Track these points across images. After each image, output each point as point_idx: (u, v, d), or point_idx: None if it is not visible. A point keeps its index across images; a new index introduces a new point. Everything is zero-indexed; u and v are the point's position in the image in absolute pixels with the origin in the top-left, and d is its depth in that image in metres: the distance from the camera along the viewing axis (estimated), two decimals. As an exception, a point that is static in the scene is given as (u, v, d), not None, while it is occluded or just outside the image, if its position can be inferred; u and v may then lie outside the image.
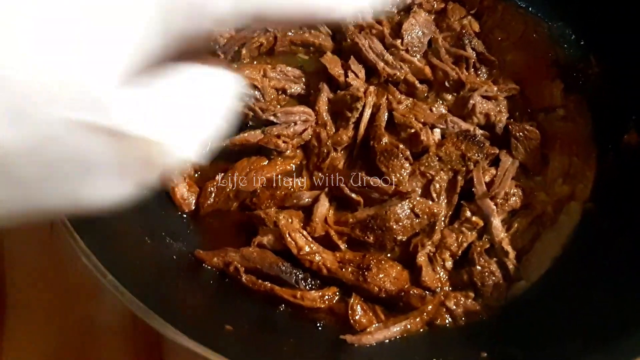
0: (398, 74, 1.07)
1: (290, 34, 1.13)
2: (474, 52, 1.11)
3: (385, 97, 1.06)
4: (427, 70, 1.09)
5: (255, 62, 1.13)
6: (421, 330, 0.90)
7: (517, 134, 1.01)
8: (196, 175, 1.03)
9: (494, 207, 0.95)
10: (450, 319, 0.91)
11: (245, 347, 0.78)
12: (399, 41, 1.11)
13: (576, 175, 1.01)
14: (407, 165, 0.98)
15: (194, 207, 0.99)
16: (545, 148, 1.03)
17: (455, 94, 1.09)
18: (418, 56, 1.12)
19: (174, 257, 0.90)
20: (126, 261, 0.76)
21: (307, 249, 0.92)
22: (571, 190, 1.00)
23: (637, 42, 1.03)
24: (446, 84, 1.08)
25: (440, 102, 1.09)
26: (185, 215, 0.98)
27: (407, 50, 1.10)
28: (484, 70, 1.12)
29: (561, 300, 0.91)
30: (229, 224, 0.99)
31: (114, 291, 0.68)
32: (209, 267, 0.92)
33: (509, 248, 0.93)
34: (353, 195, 0.97)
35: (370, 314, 0.91)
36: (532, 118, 1.07)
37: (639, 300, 0.82)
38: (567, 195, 1.00)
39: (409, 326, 0.89)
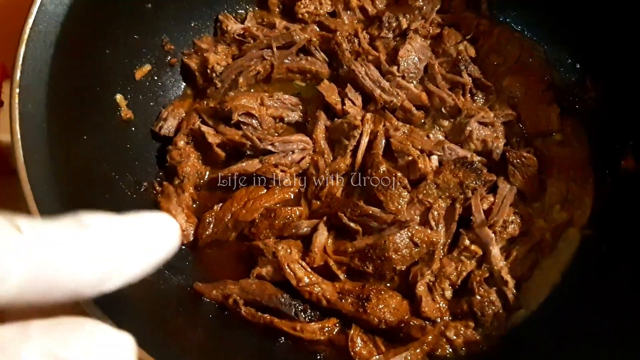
0: (395, 100, 1.08)
1: (287, 61, 1.14)
2: (470, 78, 1.11)
3: (383, 124, 1.06)
4: (424, 96, 1.10)
5: (252, 90, 1.13)
6: (421, 361, 0.90)
7: (515, 160, 1.01)
8: (194, 205, 1.03)
9: (493, 235, 0.95)
10: (450, 350, 0.91)
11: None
12: (395, 68, 1.11)
13: (574, 201, 1.02)
14: (405, 193, 0.98)
15: (192, 238, 0.99)
16: (543, 174, 1.04)
17: (452, 120, 1.09)
18: (414, 82, 1.12)
19: (173, 292, 0.89)
20: (121, 299, 0.75)
21: (306, 280, 0.92)
22: (569, 217, 1.00)
23: (634, 67, 1.03)
24: (443, 110, 1.09)
25: (437, 128, 1.09)
26: (184, 247, 0.98)
27: (403, 77, 1.11)
28: (480, 95, 1.12)
29: (561, 329, 0.91)
30: (227, 254, 0.99)
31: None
32: (208, 300, 0.92)
33: (508, 277, 0.92)
34: (352, 224, 0.97)
35: (371, 345, 0.91)
36: (529, 143, 1.07)
37: (638, 326, 0.82)
38: (565, 222, 1.00)
39: (409, 357, 0.89)
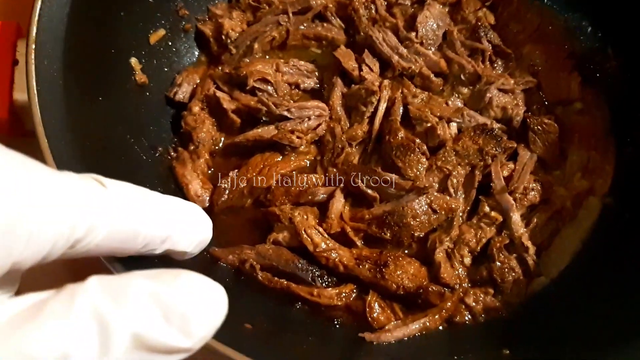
0: (413, 67, 1.06)
1: (302, 27, 1.12)
2: (489, 45, 1.09)
3: (400, 90, 1.04)
4: (443, 63, 1.07)
5: (267, 57, 1.11)
6: (440, 327, 0.89)
7: (535, 127, 0.99)
8: (210, 172, 1.02)
9: (513, 202, 0.93)
10: (469, 316, 0.90)
11: (265, 346, 0.77)
12: (413, 34, 1.09)
13: (595, 169, 1.00)
14: (424, 160, 0.96)
15: (207, 204, 0.98)
16: (564, 142, 1.02)
17: (471, 88, 1.07)
18: (433, 49, 1.10)
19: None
20: (139, 262, 0.75)
21: (323, 245, 0.91)
22: (590, 185, 0.99)
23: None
24: (462, 77, 1.07)
25: (456, 95, 1.07)
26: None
27: (421, 43, 1.09)
28: (500, 63, 1.10)
29: (582, 297, 0.90)
30: (243, 220, 0.98)
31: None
32: (225, 265, 0.91)
33: (528, 243, 0.91)
34: (369, 191, 0.95)
35: (388, 312, 0.90)
36: (550, 111, 1.05)
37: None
38: (586, 190, 0.99)
39: (428, 324, 0.88)
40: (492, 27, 1.12)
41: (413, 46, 1.08)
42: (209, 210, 0.97)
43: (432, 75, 1.06)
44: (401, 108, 1.02)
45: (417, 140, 0.96)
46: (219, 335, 0.64)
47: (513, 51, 1.10)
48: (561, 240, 0.95)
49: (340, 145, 1.01)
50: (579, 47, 1.11)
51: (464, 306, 0.90)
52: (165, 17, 1.08)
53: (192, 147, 1.01)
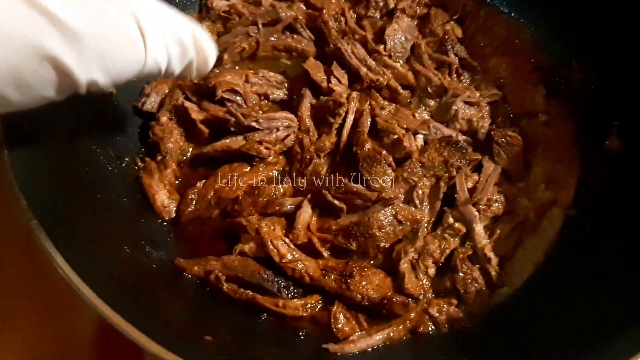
0: (381, 79, 1.07)
1: (272, 39, 1.13)
2: (456, 58, 1.11)
3: (368, 102, 1.05)
4: (410, 75, 1.09)
5: (237, 67, 1.12)
6: (404, 338, 0.90)
7: (499, 139, 1.01)
8: (177, 182, 1.02)
9: (477, 213, 0.94)
10: (433, 327, 0.90)
11: (226, 358, 0.77)
12: (381, 47, 1.10)
13: (559, 181, 1.02)
14: (390, 171, 0.97)
15: (174, 215, 0.98)
16: (528, 154, 1.04)
17: (437, 100, 1.08)
18: (401, 62, 1.11)
19: (154, 266, 0.88)
20: (104, 272, 0.74)
21: (289, 256, 0.91)
22: (554, 196, 1.00)
23: (619, 48, 1.04)
24: (429, 89, 1.08)
25: (423, 108, 1.09)
26: (165, 223, 0.97)
27: (390, 56, 1.10)
28: (466, 75, 1.12)
29: (543, 306, 0.91)
30: (210, 231, 0.98)
31: (91, 304, 0.66)
32: (190, 276, 0.91)
33: (491, 255, 0.92)
34: (336, 201, 0.96)
35: (353, 322, 0.90)
36: (515, 123, 1.07)
37: (620, 305, 0.82)
38: (549, 201, 1.00)
39: (392, 334, 0.89)
40: (459, 40, 1.14)
41: (381, 58, 1.09)
42: (175, 221, 0.98)
43: (399, 88, 1.08)
44: (369, 120, 1.03)
45: (384, 152, 0.97)
46: (178, 348, 0.65)
47: (479, 64, 1.12)
48: (524, 251, 0.96)
49: (308, 156, 1.01)
50: (544, 60, 1.13)
51: (427, 317, 0.91)
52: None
53: (159, 158, 1.01)
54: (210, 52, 0.79)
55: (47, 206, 0.73)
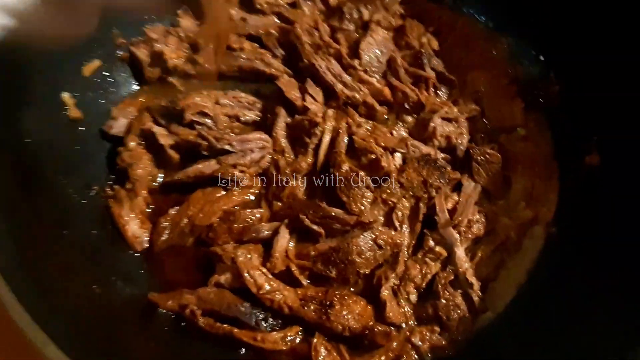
0: (357, 96, 1.04)
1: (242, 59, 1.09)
2: (433, 72, 1.08)
3: (345, 120, 1.02)
4: (387, 91, 1.06)
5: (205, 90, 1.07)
6: (388, 368, 0.88)
7: (479, 157, 0.99)
8: (149, 210, 0.98)
9: (457, 236, 0.93)
10: (416, 356, 0.88)
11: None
12: (357, 61, 1.07)
13: (539, 197, 1.00)
14: (369, 193, 0.95)
15: (147, 245, 0.94)
16: (507, 170, 1.02)
17: (415, 116, 1.06)
18: (377, 77, 1.09)
19: (126, 303, 0.85)
20: (69, 319, 0.71)
21: (267, 287, 0.88)
22: (534, 214, 0.99)
23: (598, 60, 1.02)
24: (406, 105, 1.06)
25: (401, 124, 1.06)
26: (138, 254, 0.93)
27: (365, 71, 1.07)
28: (444, 90, 1.10)
29: (527, 330, 0.90)
30: (184, 261, 0.94)
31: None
32: (164, 312, 0.88)
33: (473, 279, 0.91)
34: (314, 226, 0.93)
35: (335, 354, 0.87)
36: (493, 139, 1.05)
37: (606, 324, 0.81)
38: (530, 219, 0.99)
39: (375, 365, 0.87)
40: (435, 53, 1.11)
41: (357, 74, 1.06)
42: (148, 252, 0.94)
43: (376, 104, 1.05)
44: (346, 139, 1.00)
45: (362, 174, 0.95)
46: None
47: (457, 77, 1.10)
48: (507, 272, 0.95)
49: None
50: (521, 72, 1.11)
51: (410, 345, 0.89)
52: (101, 47, 1.04)
53: (129, 185, 0.97)
54: None
55: (5, 247, 0.69)
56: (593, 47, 1.03)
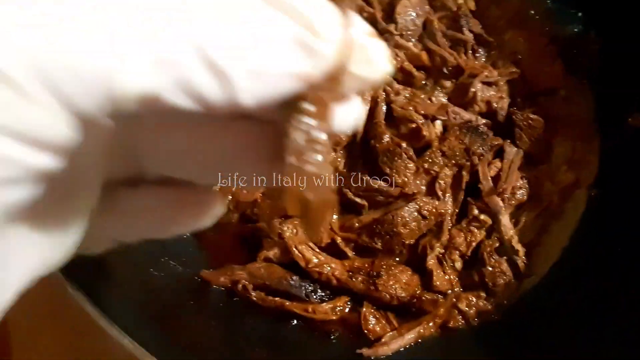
0: (394, 62, 1.02)
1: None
2: (471, 34, 1.05)
3: (382, 88, 1.01)
4: (424, 56, 1.04)
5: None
6: (435, 334, 0.90)
7: (521, 123, 0.98)
8: (192, 187, 0.98)
9: (502, 204, 0.93)
10: (462, 321, 0.91)
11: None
12: (392, 26, 1.05)
13: (580, 160, 1.00)
14: (411, 165, 0.95)
15: (194, 223, 0.95)
16: (548, 133, 1.01)
17: (454, 80, 1.04)
18: (413, 40, 1.06)
19: (180, 283, 0.87)
20: (129, 301, 0.73)
21: (315, 260, 0.90)
22: (576, 177, 0.99)
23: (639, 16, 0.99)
24: (444, 70, 1.04)
25: (439, 89, 1.05)
26: (186, 235, 0.95)
27: (401, 35, 1.05)
28: (482, 52, 1.07)
29: (571, 292, 0.91)
30: (231, 237, 0.96)
31: (118, 339, 0.65)
32: (217, 288, 0.90)
33: (518, 246, 0.92)
34: (357, 199, 0.94)
35: (384, 322, 0.90)
36: (533, 101, 1.04)
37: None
38: (572, 182, 0.99)
39: (422, 331, 0.89)
40: (472, 14, 1.08)
41: (393, 39, 1.04)
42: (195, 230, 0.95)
43: (414, 70, 1.03)
44: (384, 108, 0.99)
45: (404, 145, 0.94)
46: None
47: (495, 38, 1.07)
48: (550, 236, 0.96)
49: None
50: (560, 32, 1.08)
51: (457, 311, 0.91)
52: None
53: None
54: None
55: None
56: (635, 4, 1.00)
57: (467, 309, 0.91)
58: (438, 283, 0.91)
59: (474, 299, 0.91)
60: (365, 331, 0.88)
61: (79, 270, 0.66)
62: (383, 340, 0.87)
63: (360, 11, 1.07)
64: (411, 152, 0.95)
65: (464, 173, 0.96)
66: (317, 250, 0.91)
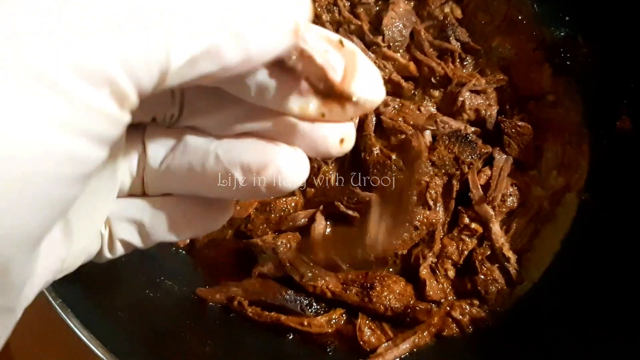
0: (382, 74, 1.03)
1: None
2: (458, 43, 1.06)
3: (371, 101, 1.02)
4: (412, 66, 1.05)
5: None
6: (430, 342, 0.91)
7: (510, 131, 0.99)
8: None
9: (492, 212, 0.94)
10: (457, 329, 0.92)
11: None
12: (380, 38, 1.06)
13: (570, 164, 1.00)
14: (401, 176, 0.96)
15: (188, 241, 0.97)
16: (538, 139, 1.01)
17: (442, 90, 1.05)
18: (401, 51, 1.07)
19: (176, 302, 0.88)
20: (125, 326, 0.75)
21: (309, 274, 0.92)
22: (566, 182, 0.99)
23: (626, 20, 0.99)
24: (432, 80, 1.05)
25: (428, 99, 1.05)
26: (182, 251, 0.96)
27: (389, 47, 1.06)
28: (469, 60, 1.08)
29: (563, 296, 0.92)
30: (226, 253, 0.97)
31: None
32: (213, 305, 0.91)
33: (509, 254, 0.92)
34: (349, 212, 0.95)
35: (379, 332, 0.91)
36: (522, 107, 1.04)
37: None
38: (562, 187, 0.99)
39: (417, 341, 0.90)
40: (459, 22, 1.09)
41: (381, 51, 1.05)
42: (190, 247, 0.97)
43: (402, 81, 1.04)
44: (374, 119, 1.01)
45: (393, 157, 0.96)
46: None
47: (482, 45, 1.07)
48: (541, 241, 0.96)
49: (316, 165, 0.99)
50: (548, 36, 1.08)
51: (451, 319, 0.92)
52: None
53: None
54: None
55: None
56: (621, 7, 1.00)
57: (461, 317, 0.92)
58: (431, 292, 0.92)
59: (468, 307, 0.92)
60: (361, 342, 0.90)
61: (74, 295, 0.68)
62: (378, 351, 0.89)
63: (348, 24, 1.08)
64: (401, 164, 0.96)
65: (455, 182, 0.97)
66: (311, 264, 0.93)
